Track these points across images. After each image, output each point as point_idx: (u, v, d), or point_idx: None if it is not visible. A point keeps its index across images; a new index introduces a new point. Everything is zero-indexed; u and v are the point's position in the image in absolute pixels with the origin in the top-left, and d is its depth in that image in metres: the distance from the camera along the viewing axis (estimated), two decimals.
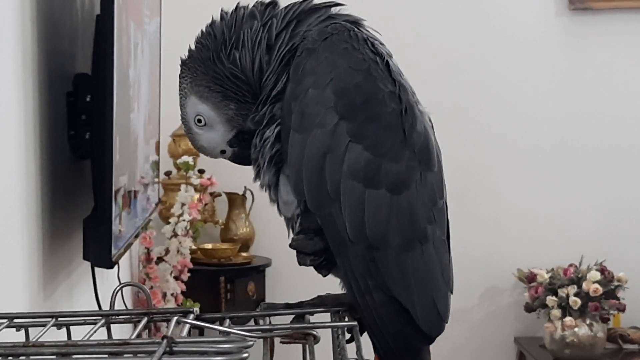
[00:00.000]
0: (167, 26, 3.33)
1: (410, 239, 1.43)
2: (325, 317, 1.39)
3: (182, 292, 4.04)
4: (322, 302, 1.47)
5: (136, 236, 2.70)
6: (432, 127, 1.54)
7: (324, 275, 1.51)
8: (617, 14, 4.67)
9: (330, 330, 1.23)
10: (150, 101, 2.92)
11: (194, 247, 4.29)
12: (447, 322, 1.47)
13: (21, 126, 1.89)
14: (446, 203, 1.53)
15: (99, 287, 2.47)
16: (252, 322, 1.35)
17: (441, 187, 1.51)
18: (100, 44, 2.13)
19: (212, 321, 1.04)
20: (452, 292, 1.50)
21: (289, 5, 1.57)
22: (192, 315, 1.00)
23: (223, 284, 4.28)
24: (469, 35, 4.69)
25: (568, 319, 4.30)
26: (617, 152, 4.70)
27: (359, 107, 1.45)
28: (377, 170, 1.43)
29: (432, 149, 1.49)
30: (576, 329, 4.31)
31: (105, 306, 2.45)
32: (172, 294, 3.99)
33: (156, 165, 3.18)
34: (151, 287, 3.93)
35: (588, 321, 4.32)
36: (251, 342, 0.78)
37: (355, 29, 1.52)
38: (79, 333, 1.00)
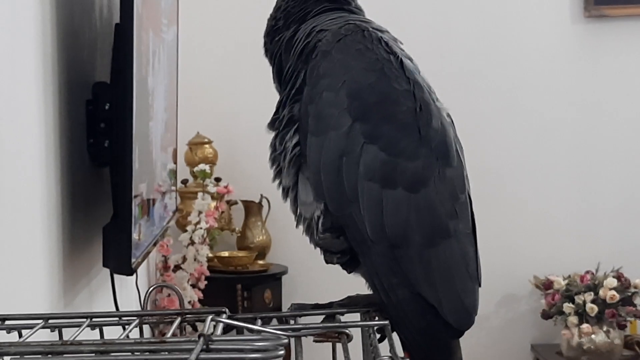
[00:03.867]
0: (184, 35, 3.34)
1: (432, 235, 1.44)
2: (355, 317, 1.40)
3: (200, 300, 4.05)
4: (351, 302, 1.48)
5: (154, 244, 2.71)
6: (452, 122, 1.54)
7: (349, 272, 1.52)
8: (633, 21, 4.66)
9: (359, 329, 1.24)
10: (168, 109, 2.93)
11: (210, 255, 4.29)
12: (476, 315, 1.47)
13: (41, 134, 1.90)
14: (470, 196, 1.53)
15: (118, 294, 2.48)
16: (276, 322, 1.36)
17: (462, 181, 1.50)
18: (120, 53, 2.15)
19: (243, 322, 1.05)
20: (480, 285, 1.50)
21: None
22: (224, 315, 1.01)
23: (240, 291, 4.28)
24: (485, 42, 4.69)
25: (585, 325, 4.28)
26: (634, 158, 4.69)
27: (372, 108, 1.45)
28: (393, 170, 1.44)
29: (451, 145, 1.49)
30: (593, 336, 4.29)
31: None
32: (189, 302, 3.99)
33: (173, 173, 3.19)
34: (168, 295, 3.94)
35: (605, 328, 4.30)
36: (285, 340, 0.79)
37: (370, 28, 1.53)
38: (110, 334, 1.01)
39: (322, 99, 1.46)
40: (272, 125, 1.56)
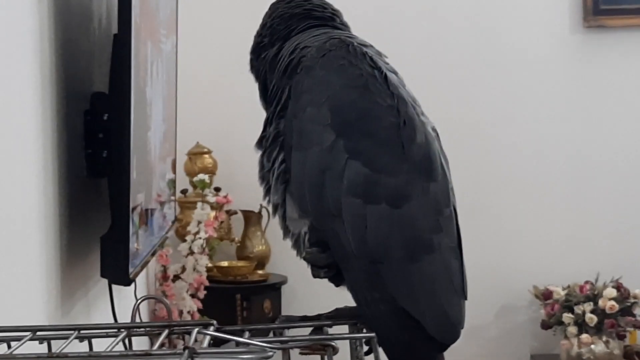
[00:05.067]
0: (183, 45, 3.34)
1: (414, 250, 1.43)
2: (343, 329, 1.39)
3: (199, 310, 4.04)
4: (339, 315, 1.48)
5: (153, 254, 2.71)
6: (438, 136, 1.54)
7: (337, 286, 1.52)
8: (631, 32, 4.66)
9: (347, 342, 1.23)
10: (167, 120, 2.93)
11: (210, 264, 4.29)
12: (462, 328, 1.46)
13: (39, 144, 1.90)
14: (455, 210, 1.52)
15: (116, 304, 2.48)
16: (270, 335, 1.36)
17: (447, 196, 1.49)
18: (118, 63, 2.15)
19: (232, 334, 1.05)
20: (466, 298, 1.49)
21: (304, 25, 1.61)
22: (212, 328, 1.01)
23: (239, 301, 4.28)
24: (486, 51, 4.69)
25: (584, 336, 4.28)
26: (631, 168, 4.68)
27: (355, 124, 1.45)
28: (376, 185, 1.43)
29: (435, 160, 1.48)
30: (592, 346, 4.29)
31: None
32: (188, 312, 3.99)
33: (172, 183, 3.19)
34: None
35: (604, 338, 4.30)
36: (271, 353, 0.79)
37: (355, 43, 1.53)
38: (99, 346, 1.01)
39: (305, 114, 1.46)
40: (259, 144, 1.56)
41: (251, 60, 1.68)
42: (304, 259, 1.50)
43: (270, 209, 1.56)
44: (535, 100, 4.70)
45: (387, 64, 1.55)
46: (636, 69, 4.69)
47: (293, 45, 1.57)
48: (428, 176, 1.46)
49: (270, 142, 1.52)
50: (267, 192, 1.55)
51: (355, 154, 1.43)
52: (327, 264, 1.48)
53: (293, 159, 1.46)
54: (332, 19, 1.66)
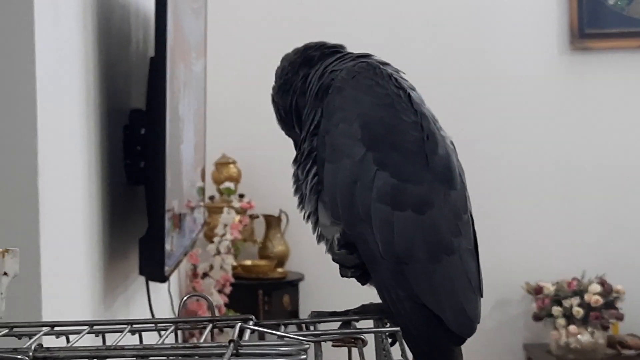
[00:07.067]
0: (211, 68, 3.35)
1: (437, 252, 1.42)
2: (368, 323, 1.38)
3: (225, 304, 4.04)
4: (366, 310, 1.47)
5: (185, 254, 2.71)
6: (455, 149, 1.54)
7: (363, 284, 1.51)
8: (613, 53, 4.65)
9: (373, 335, 1.22)
10: (197, 133, 2.93)
11: (235, 263, 4.28)
12: (478, 323, 1.45)
13: (84, 156, 1.90)
14: (472, 216, 1.52)
15: (152, 299, 2.48)
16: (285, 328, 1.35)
17: (465, 203, 1.49)
18: (154, 83, 2.15)
19: (267, 327, 1.04)
20: (482, 296, 1.48)
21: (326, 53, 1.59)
22: (252, 322, 1.00)
23: (261, 296, 4.27)
24: (480, 72, 4.69)
25: (572, 327, 4.26)
26: (613, 178, 4.67)
27: (383, 138, 1.44)
28: (402, 193, 1.42)
29: (454, 170, 1.48)
30: (579, 336, 4.27)
31: (158, 316, 2.46)
32: (215, 306, 3.99)
33: (202, 190, 3.19)
34: (197, 300, 3.93)
35: (590, 329, 4.28)
36: (307, 345, 0.78)
37: (381, 66, 1.53)
38: (147, 339, 1.01)
39: (337, 130, 1.45)
40: (295, 161, 1.55)
41: (275, 103, 1.64)
42: (334, 260, 1.50)
43: (305, 216, 1.54)
44: (527, 115, 4.69)
45: (406, 81, 1.55)
46: (618, 86, 4.68)
47: (320, 70, 1.56)
48: (448, 185, 1.45)
49: (305, 157, 1.51)
50: (301, 202, 1.54)
51: (383, 166, 1.43)
52: (354, 265, 1.47)
53: (326, 171, 1.45)
54: (342, 47, 1.65)
